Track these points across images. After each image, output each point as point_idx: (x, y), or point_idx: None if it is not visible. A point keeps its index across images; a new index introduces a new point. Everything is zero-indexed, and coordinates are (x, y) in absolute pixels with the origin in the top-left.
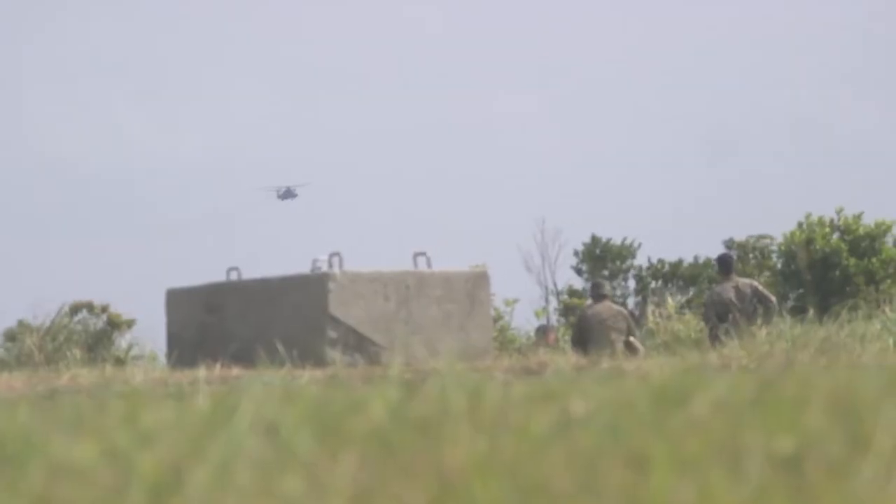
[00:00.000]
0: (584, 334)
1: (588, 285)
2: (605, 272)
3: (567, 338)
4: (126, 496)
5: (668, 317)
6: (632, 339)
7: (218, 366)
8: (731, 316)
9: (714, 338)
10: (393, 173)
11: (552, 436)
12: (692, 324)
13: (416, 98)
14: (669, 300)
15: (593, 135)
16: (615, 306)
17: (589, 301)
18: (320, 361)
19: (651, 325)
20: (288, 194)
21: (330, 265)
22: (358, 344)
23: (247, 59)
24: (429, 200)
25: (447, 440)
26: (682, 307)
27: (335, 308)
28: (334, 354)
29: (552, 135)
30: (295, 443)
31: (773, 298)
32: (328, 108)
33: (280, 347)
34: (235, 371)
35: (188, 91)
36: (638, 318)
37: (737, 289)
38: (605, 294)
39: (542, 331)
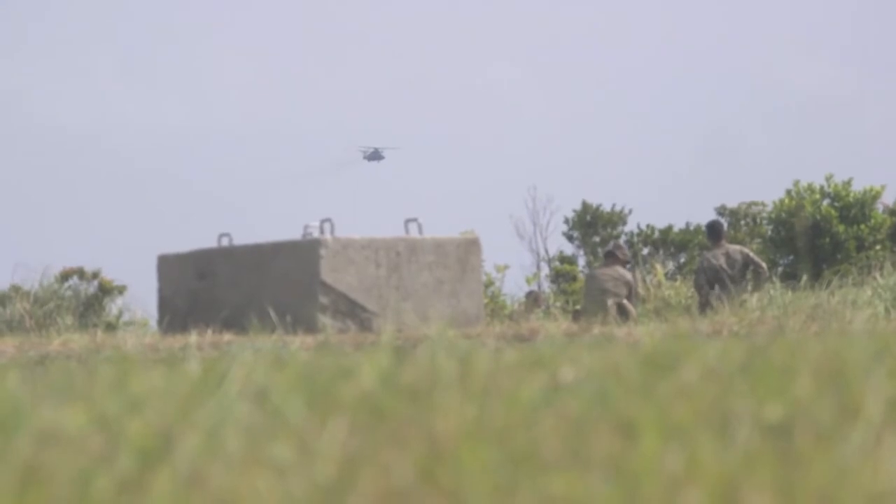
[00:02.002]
0: (585, 295)
1: (580, 251)
2: (597, 238)
3: (557, 304)
4: (115, 462)
5: (659, 284)
6: (625, 301)
7: (209, 332)
8: (721, 283)
9: (705, 304)
10: (385, 140)
11: (542, 402)
12: (683, 290)
13: (407, 64)
14: (658, 268)
15: (584, 102)
16: (621, 270)
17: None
18: (311, 327)
19: (642, 291)
20: (375, 156)
21: (321, 231)
22: (349, 310)
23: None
24: (420, 167)
25: (437, 407)
26: (671, 274)
27: (326, 274)
28: (325, 320)
29: (543, 102)
30: (285, 409)
31: (764, 265)
32: (312, 68)
33: (271, 313)
34: (226, 337)
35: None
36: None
37: (727, 255)
38: (617, 256)
39: (532, 297)
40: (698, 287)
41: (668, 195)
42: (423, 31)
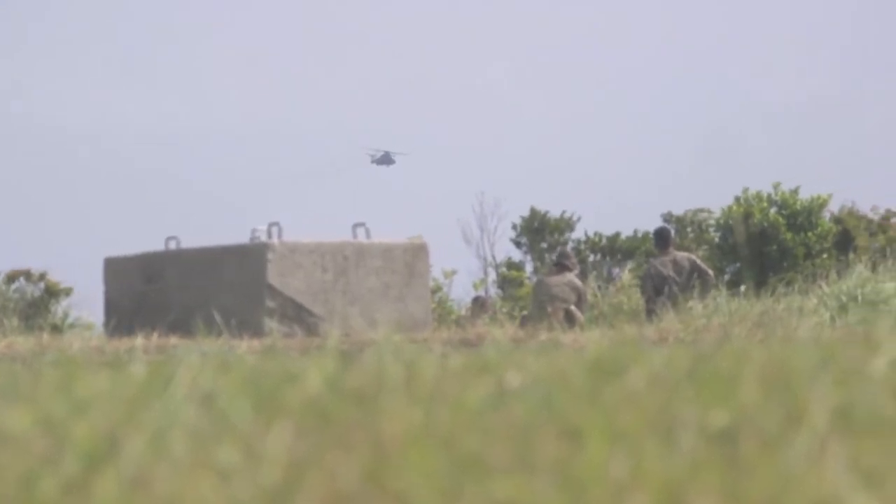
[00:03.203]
0: (532, 301)
1: (527, 257)
2: (544, 245)
3: (504, 310)
4: (60, 464)
5: (620, 289)
6: (572, 308)
7: (155, 335)
8: (668, 289)
9: (650, 311)
10: (335, 143)
11: (488, 407)
12: (633, 297)
13: (357, 66)
14: (623, 275)
15: (533, 107)
16: (569, 276)
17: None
18: (258, 331)
19: (590, 298)
20: (385, 160)
21: (269, 235)
22: (296, 314)
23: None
24: (368, 171)
25: (383, 411)
26: (621, 286)
27: (273, 278)
28: (272, 325)
29: (492, 106)
30: (231, 413)
31: (711, 272)
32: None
33: (218, 317)
34: (173, 340)
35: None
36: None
37: (675, 262)
38: (566, 265)
39: (479, 302)
40: (644, 294)
41: (615, 202)
42: (372, 33)
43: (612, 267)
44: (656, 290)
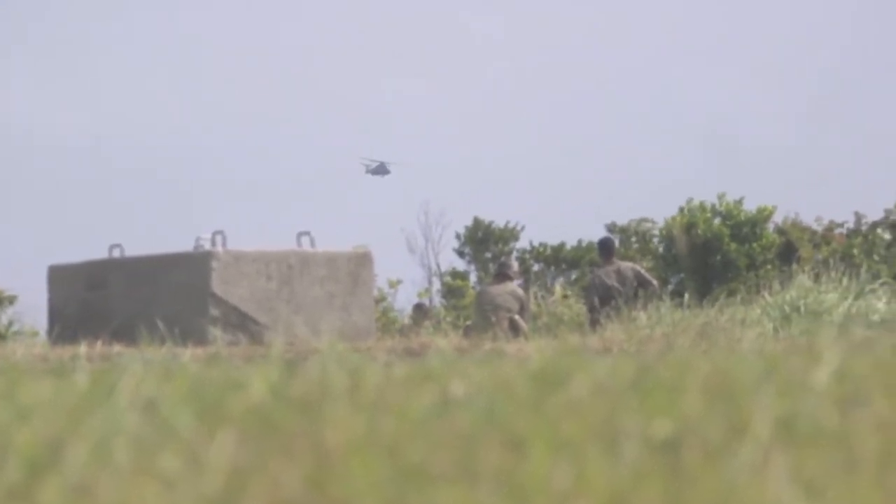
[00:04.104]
0: (476, 311)
1: (471, 267)
2: (488, 254)
3: (448, 319)
4: (3, 471)
5: (554, 302)
6: (516, 317)
7: (99, 343)
8: (612, 300)
9: (595, 322)
10: (277, 152)
11: (431, 417)
12: (575, 307)
13: (298, 75)
14: (558, 287)
15: (477, 117)
16: (511, 285)
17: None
18: (202, 340)
19: (533, 307)
20: (381, 170)
21: (213, 243)
22: (240, 323)
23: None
24: (313, 179)
25: (327, 420)
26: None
27: (217, 286)
28: (216, 333)
29: (436, 117)
30: (174, 420)
31: (655, 282)
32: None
33: (161, 325)
34: (117, 348)
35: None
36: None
37: (619, 272)
38: (508, 274)
39: (422, 310)
40: (588, 304)
41: (560, 212)
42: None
43: (557, 276)
44: (601, 301)
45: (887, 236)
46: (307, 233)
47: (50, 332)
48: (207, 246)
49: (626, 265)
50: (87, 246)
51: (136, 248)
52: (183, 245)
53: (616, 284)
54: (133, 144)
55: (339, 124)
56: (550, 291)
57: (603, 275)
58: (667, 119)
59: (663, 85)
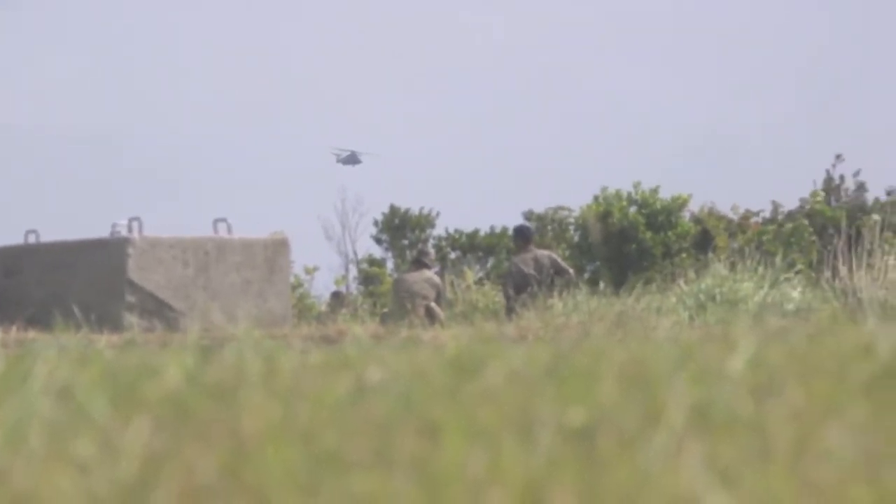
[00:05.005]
0: (392, 298)
1: (389, 254)
2: (405, 242)
3: (365, 306)
4: None
5: (467, 288)
6: (432, 304)
7: (14, 329)
8: (529, 287)
9: (511, 309)
10: (195, 138)
11: (347, 404)
12: (490, 294)
13: (221, 62)
14: (468, 272)
15: (394, 104)
16: (427, 273)
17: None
18: (118, 326)
19: (450, 295)
20: (352, 159)
21: (129, 230)
22: (156, 309)
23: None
24: (230, 166)
25: (243, 407)
26: (479, 279)
27: (134, 273)
28: (132, 319)
29: (354, 105)
30: (89, 406)
31: (571, 270)
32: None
33: (77, 311)
34: (31, 334)
35: None
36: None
37: (536, 260)
38: (424, 262)
39: (338, 297)
40: (506, 292)
41: (476, 199)
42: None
43: (473, 264)
44: (518, 288)
45: (806, 223)
46: (224, 219)
47: None
48: (124, 232)
49: (543, 253)
50: (1, 232)
51: (52, 233)
52: (99, 231)
53: (533, 272)
54: (50, 129)
55: (252, 109)
56: (465, 278)
57: (520, 262)
58: (585, 107)
59: (581, 73)
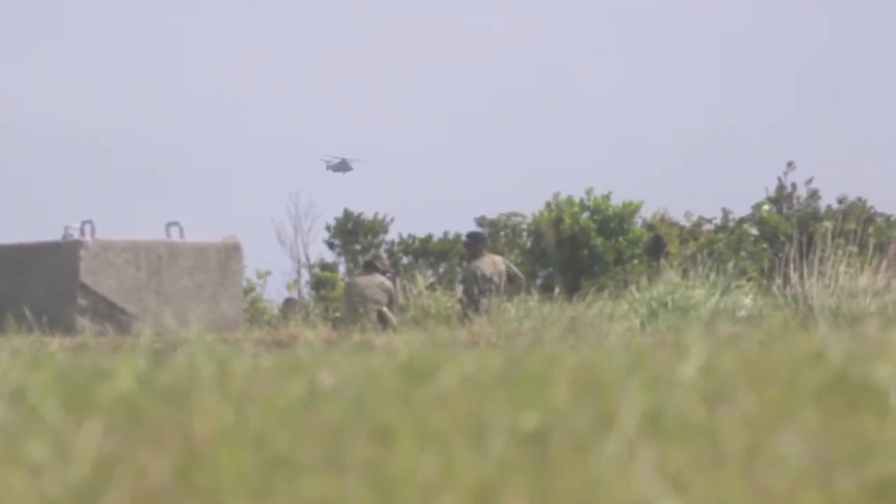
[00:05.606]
0: (345, 303)
1: (341, 259)
2: (357, 246)
3: (317, 310)
4: None
5: (420, 293)
6: (384, 309)
7: None
8: (489, 292)
9: (466, 315)
10: (146, 140)
11: (299, 408)
12: (442, 300)
13: (177, 65)
14: (420, 277)
15: (346, 107)
16: (380, 278)
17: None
18: (70, 329)
19: (402, 300)
20: (342, 167)
21: (82, 233)
22: (108, 313)
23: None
24: (182, 169)
25: (195, 410)
26: (432, 284)
27: (86, 276)
28: (84, 322)
29: (306, 108)
30: (41, 409)
31: (522, 276)
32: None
33: (29, 314)
34: None
35: None
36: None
37: (494, 265)
38: (376, 266)
39: (290, 303)
40: (470, 293)
41: (428, 204)
42: (199, 47)
43: (425, 269)
44: (481, 292)
45: (754, 232)
46: (176, 223)
47: None
48: (76, 235)
49: (498, 258)
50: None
51: (4, 236)
52: (52, 234)
53: (494, 277)
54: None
55: (204, 112)
56: (417, 284)
57: (481, 267)
58: (539, 110)
59: (536, 77)
